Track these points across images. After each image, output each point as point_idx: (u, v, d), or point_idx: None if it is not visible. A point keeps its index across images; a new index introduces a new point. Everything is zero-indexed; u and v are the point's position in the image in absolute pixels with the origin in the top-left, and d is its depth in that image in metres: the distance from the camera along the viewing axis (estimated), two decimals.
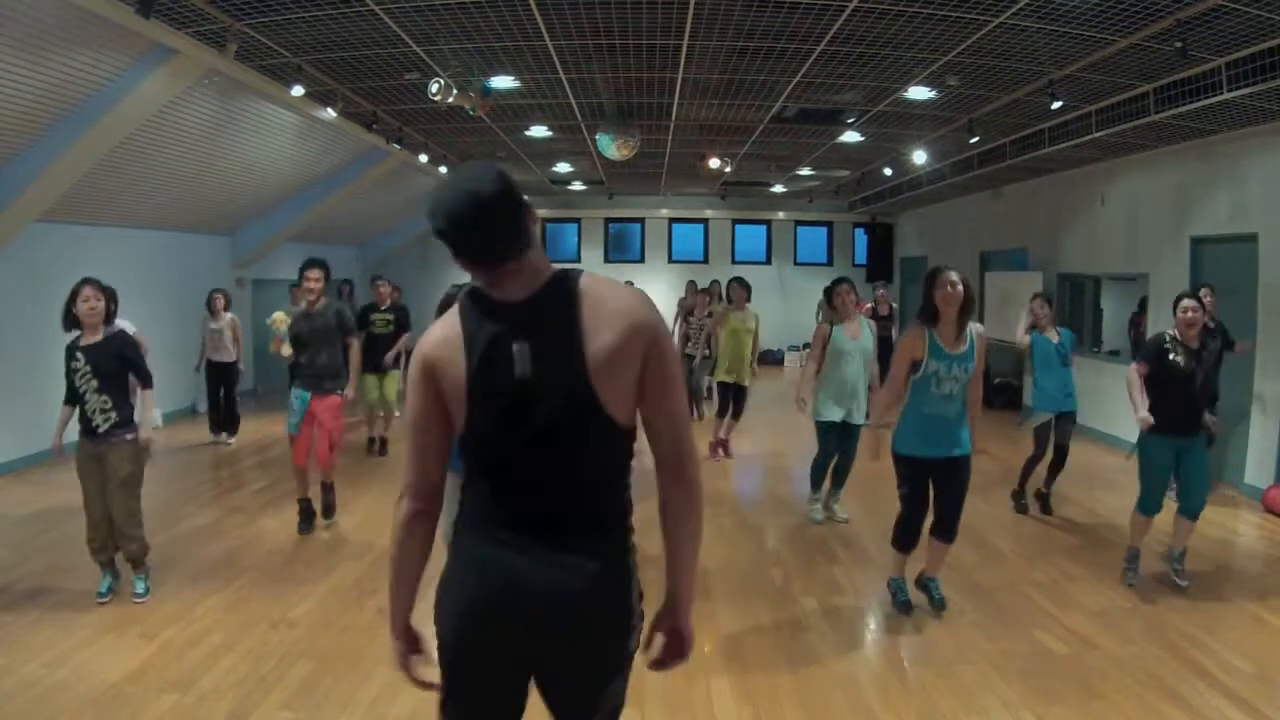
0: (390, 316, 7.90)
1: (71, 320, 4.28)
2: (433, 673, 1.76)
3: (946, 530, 4.26)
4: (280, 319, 5.40)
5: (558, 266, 1.68)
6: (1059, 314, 9.96)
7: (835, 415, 5.77)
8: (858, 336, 5.78)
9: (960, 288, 4.02)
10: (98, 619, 4.13)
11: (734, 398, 7.72)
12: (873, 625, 4.31)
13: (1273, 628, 4.17)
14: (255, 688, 3.48)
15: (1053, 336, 6.16)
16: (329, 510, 5.83)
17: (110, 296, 4.36)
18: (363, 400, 7.89)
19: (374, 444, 8.14)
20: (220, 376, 8.57)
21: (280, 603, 4.39)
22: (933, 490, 4.22)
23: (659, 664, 1.80)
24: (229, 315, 8.55)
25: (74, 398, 4.28)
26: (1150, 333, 8.22)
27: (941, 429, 4.11)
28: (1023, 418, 6.29)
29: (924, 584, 4.43)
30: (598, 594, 1.64)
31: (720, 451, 7.94)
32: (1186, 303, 4.58)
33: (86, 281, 4.31)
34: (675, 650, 1.79)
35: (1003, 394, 10.71)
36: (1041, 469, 6.24)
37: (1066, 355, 6.15)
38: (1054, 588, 4.71)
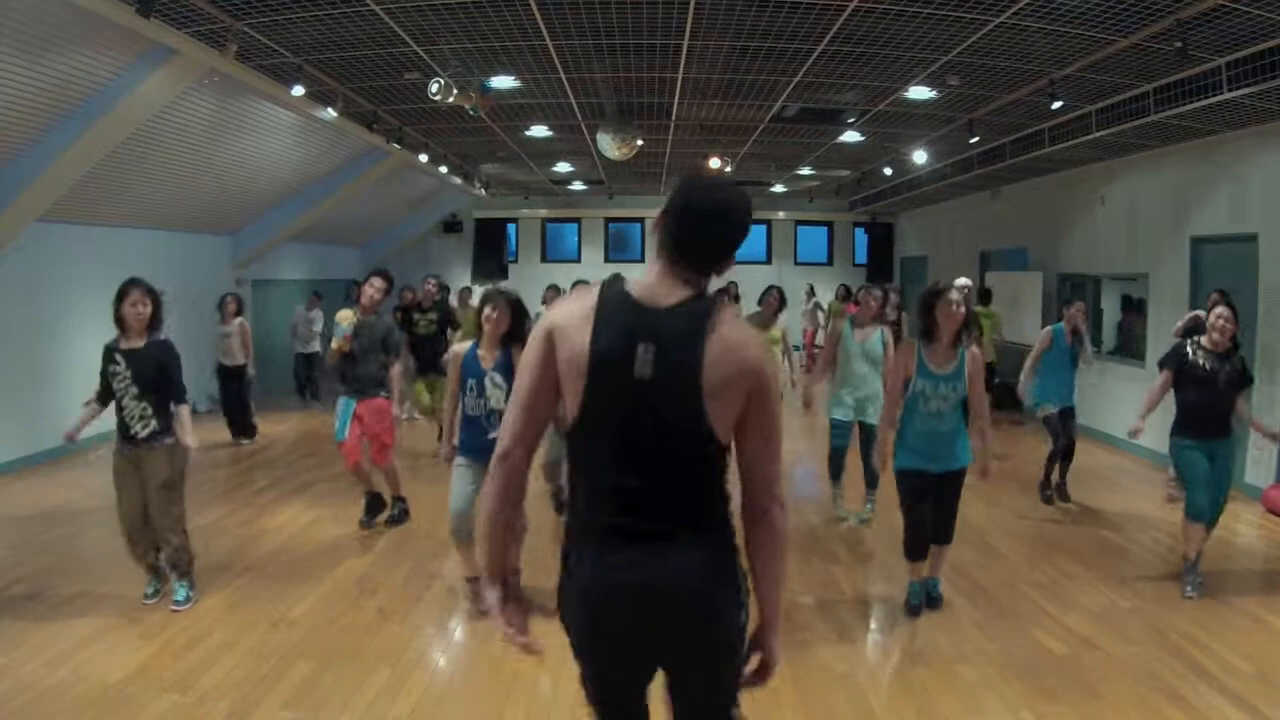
0: (434, 316, 7.77)
1: (118, 321, 4.18)
2: (533, 630, 1.83)
3: (943, 534, 4.33)
4: (348, 316, 5.47)
5: (708, 290, 1.77)
6: (1057, 315, 10.02)
7: (842, 415, 5.85)
8: (867, 340, 5.84)
9: (962, 309, 4.05)
10: (98, 619, 4.12)
11: None
12: (873, 625, 4.31)
13: (1273, 628, 4.17)
14: (255, 688, 3.48)
15: (1067, 338, 6.30)
16: (398, 519, 5.80)
17: (158, 301, 4.25)
18: (422, 410, 7.88)
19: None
20: (231, 380, 8.53)
21: (280, 603, 4.39)
22: (930, 496, 4.26)
23: (748, 683, 1.89)
24: (239, 320, 8.52)
25: (105, 397, 4.21)
26: (1151, 334, 8.27)
27: (935, 444, 4.16)
28: (1034, 411, 6.36)
29: (925, 582, 4.46)
30: (709, 590, 1.73)
31: None
32: (1221, 311, 4.59)
33: (134, 283, 4.18)
34: (763, 672, 1.89)
35: (1009, 394, 10.68)
36: (1038, 468, 6.36)
37: (1076, 358, 6.33)
38: (1054, 588, 4.71)
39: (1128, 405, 8.36)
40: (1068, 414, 6.27)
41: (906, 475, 4.23)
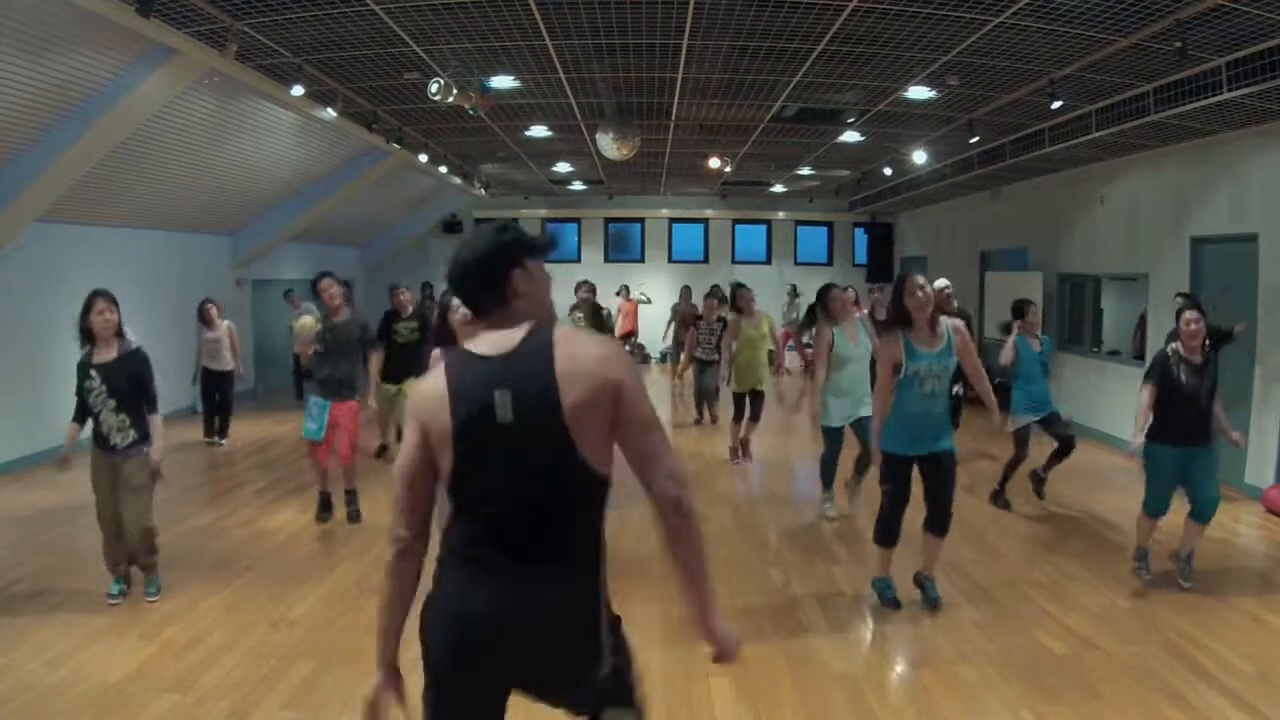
0: (414, 324, 7.68)
1: (86, 334, 4.20)
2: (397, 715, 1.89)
3: (939, 523, 4.31)
4: (310, 324, 5.53)
5: (535, 323, 1.83)
6: (1058, 315, 10.03)
7: (838, 422, 5.85)
8: (856, 339, 5.84)
9: (929, 291, 4.16)
10: (98, 619, 4.13)
11: (752, 402, 7.65)
12: (873, 625, 4.30)
13: (1273, 628, 4.17)
14: (255, 688, 3.49)
15: (1035, 345, 6.30)
16: (354, 516, 5.85)
17: (118, 308, 4.29)
18: (383, 406, 7.75)
19: (385, 451, 7.92)
20: (217, 384, 8.51)
21: (280, 603, 4.39)
22: (923, 486, 4.30)
23: (718, 660, 1.91)
24: (225, 323, 8.48)
25: (82, 415, 4.25)
26: (1152, 335, 8.27)
27: (924, 427, 4.20)
28: (1009, 421, 6.39)
29: (920, 582, 4.45)
30: (567, 626, 1.77)
31: (740, 455, 7.86)
32: (1188, 315, 4.59)
33: (98, 294, 4.22)
34: (720, 653, 1.89)
35: (999, 393, 10.68)
36: (1024, 467, 6.41)
37: (1047, 364, 6.35)
38: (1054, 588, 4.71)
39: (1128, 406, 8.39)
40: (1054, 419, 6.27)
41: (894, 459, 4.27)
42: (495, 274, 1.83)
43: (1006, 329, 6.51)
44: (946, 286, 7.33)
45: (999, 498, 6.39)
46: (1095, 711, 3.36)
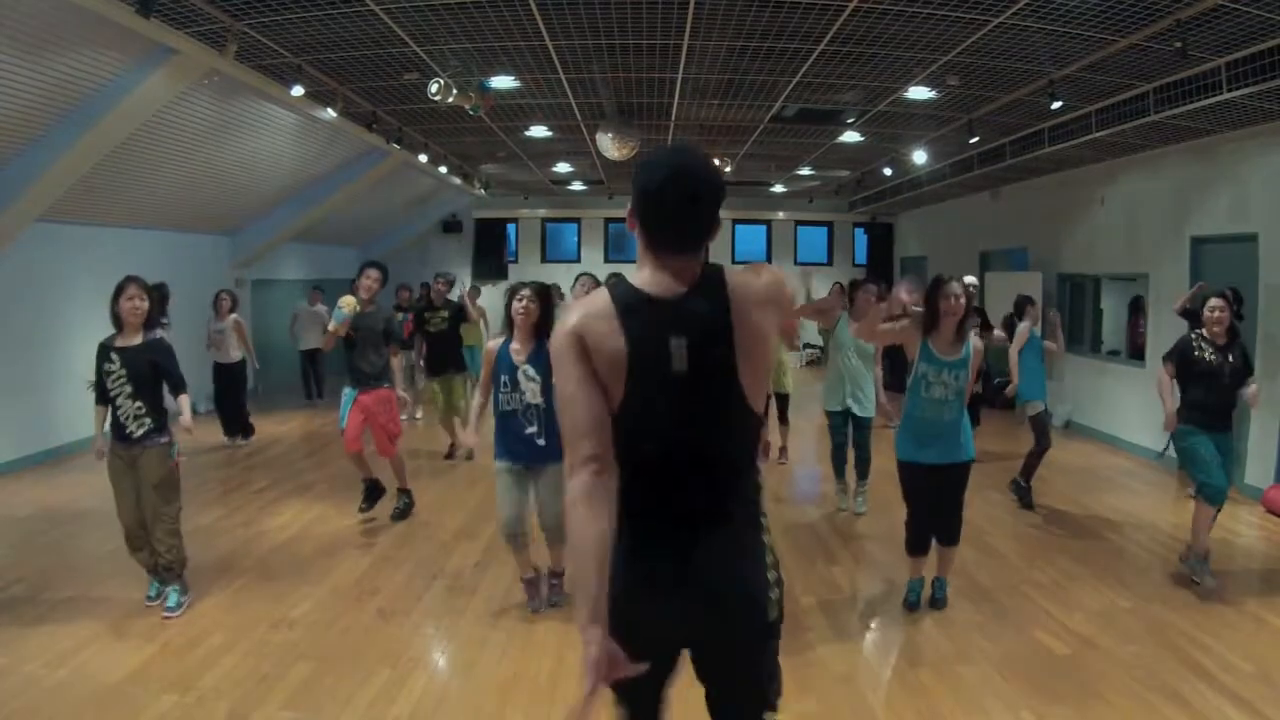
0: (445, 313, 7.75)
1: (116, 319, 4.19)
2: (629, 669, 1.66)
3: (945, 535, 4.32)
4: (350, 302, 5.47)
5: (706, 263, 1.75)
6: (1059, 315, 10.03)
7: (836, 405, 5.96)
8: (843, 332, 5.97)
9: (963, 300, 4.09)
10: (98, 619, 4.13)
11: (779, 405, 7.50)
12: (873, 625, 4.31)
13: (1273, 628, 4.17)
14: (255, 688, 3.49)
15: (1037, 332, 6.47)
16: (399, 514, 5.84)
17: (155, 298, 4.27)
18: (435, 409, 7.90)
19: (454, 452, 7.85)
20: (225, 378, 8.49)
21: (280, 603, 4.39)
22: (933, 495, 4.26)
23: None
24: (233, 316, 8.48)
25: (104, 396, 4.20)
26: (1151, 334, 8.27)
27: (936, 434, 4.15)
28: (1024, 410, 6.43)
29: (934, 581, 4.47)
30: (748, 572, 1.75)
31: (782, 456, 7.73)
32: (1214, 302, 4.60)
33: (131, 279, 4.20)
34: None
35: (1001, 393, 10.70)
36: (1014, 465, 6.53)
37: (1040, 351, 6.47)
38: (1054, 588, 4.71)
39: (1128, 406, 8.39)
40: (1046, 412, 6.43)
41: (909, 467, 4.23)
42: (699, 213, 1.69)
43: (1010, 325, 6.59)
44: (972, 284, 7.39)
45: (1020, 488, 6.36)
46: (1095, 711, 3.36)
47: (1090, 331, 9.79)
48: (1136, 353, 8.83)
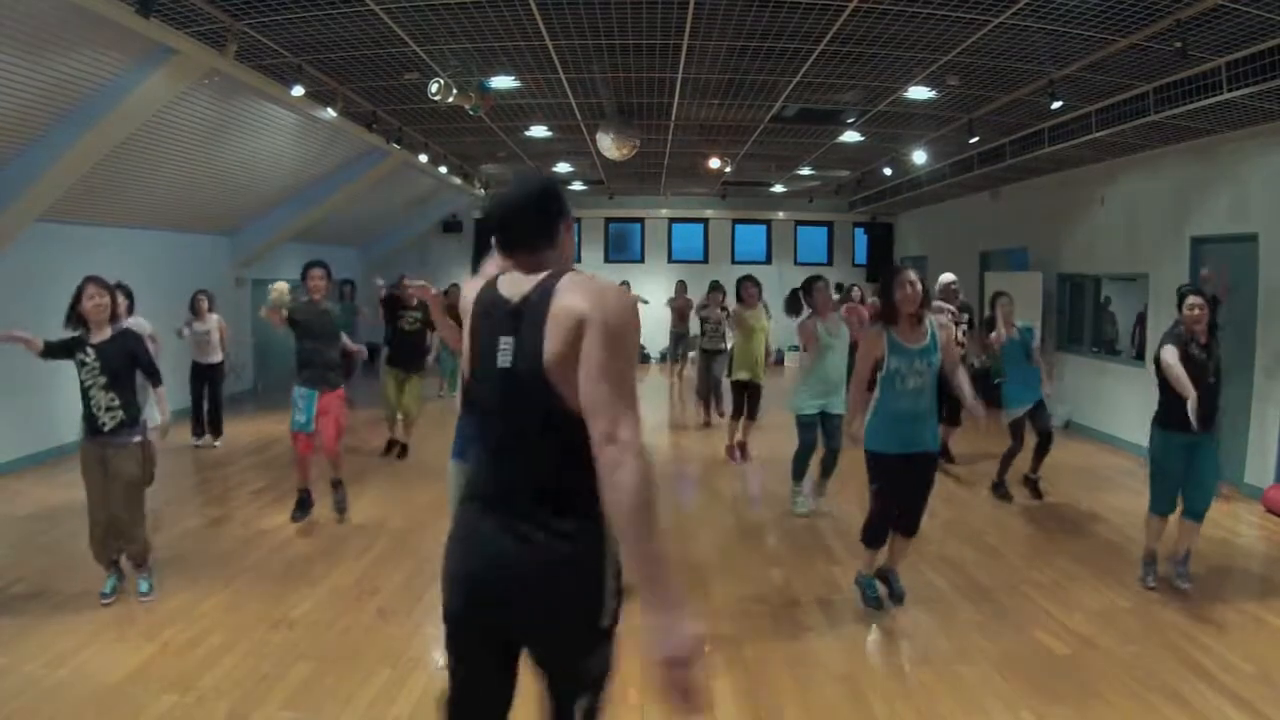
0: (419, 314, 7.75)
1: (77, 319, 4.27)
2: None
3: (908, 526, 4.31)
4: (282, 288, 5.55)
5: (553, 270, 1.86)
6: (1057, 315, 10.03)
7: (813, 409, 5.93)
8: (835, 332, 5.94)
9: (919, 287, 4.11)
10: (98, 619, 4.13)
11: (749, 397, 7.67)
12: (873, 625, 4.30)
13: (1273, 628, 4.17)
14: (255, 688, 3.48)
15: (1012, 333, 6.43)
16: (340, 507, 5.86)
17: (116, 294, 4.37)
18: (384, 402, 7.93)
19: (392, 448, 7.95)
20: (205, 378, 8.41)
21: (280, 603, 4.39)
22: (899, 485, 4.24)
23: (662, 688, 1.56)
24: (214, 316, 8.40)
25: (53, 351, 4.30)
26: (1152, 333, 8.27)
27: (909, 426, 4.15)
28: (1004, 414, 6.49)
29: (884, 574, 4.43)
30: (565, 570, 1.76)
31: (739, 454, 7.85)
32: (1192, 299, 4.53)
33: (90, 280, 4.32)
34: (669, 681, 1.53)
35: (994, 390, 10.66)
36: (1021, 460, 6.53)
37: (1029, 349, 6.43)
38: (1054, 588, 4.71)
39: (1128, 406, 8.39)
40: (1039, 408, 6.40)
41: (882, 459, 4.20)
42: (547, 215, 1.91)
43: (990, 324, 6.65)
44: (953, 281, 7.44)
45: (999, 489, 6.53)
46: (1095, 711, 3.36)
47: (1090, 332, 9.78)
48: (1140, 356, 8.83)
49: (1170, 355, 4.40)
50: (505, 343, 1.80)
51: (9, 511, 6.03)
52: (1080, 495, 6.73)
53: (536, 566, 1.76)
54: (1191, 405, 4.21)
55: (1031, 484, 6.53)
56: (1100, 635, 4.06)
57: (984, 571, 4.96)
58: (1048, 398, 6.49)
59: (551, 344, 1.73)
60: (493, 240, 2.01)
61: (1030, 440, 6.48)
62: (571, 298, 1.75)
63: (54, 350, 4.33)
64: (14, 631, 3.96)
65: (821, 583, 4.81)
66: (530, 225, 1.90)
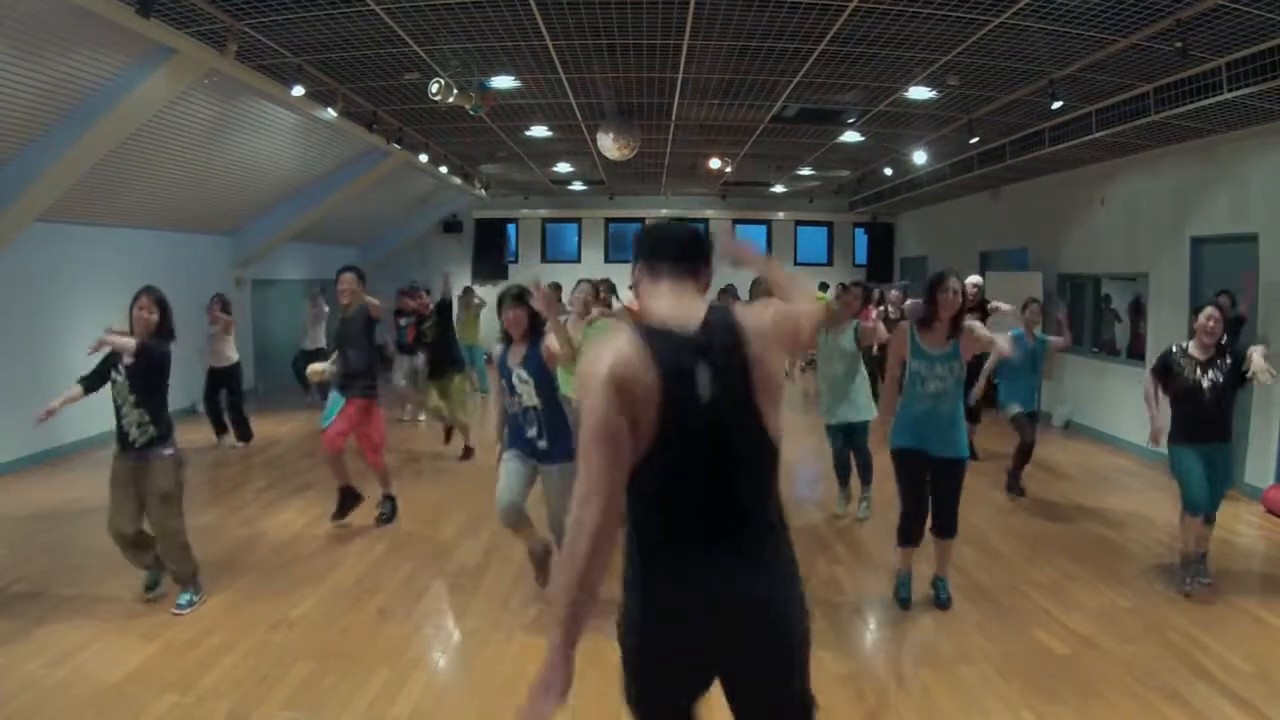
0: (435, 319, 7.99)
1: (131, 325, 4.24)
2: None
3: (942, 527, 4.33)
4: (315, 371, 5.93)
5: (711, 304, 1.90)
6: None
7: (832, 419, 5.93)
8: (840, 337, 5.88)
9: (959, 298, 4.13)
10: (98, 619, 4.13)
11: None
12: (873, 625, 4.31)
13: (1273, 628, 4.17)
14: (255, 688, 3.49)
15: (1029, 340, 6.48)
16: (383, 519, 5.84)
17: (168, 313, 4.28)
18: (437, 415, 8.08)
19: (469, 453, 7.86)
20: (220, 382, 8.41)
21: (280, 603, 4.39)
22: (930, 490, 4.29)
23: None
24: (224, 317, 8.44)
25: (92, 383, 4.25)
26: (1151, 333, 8.28)
27: (933, 427, 4.17)
28: (1005, 413, 6.51)
29: (934, 583, 4.46)
30: (787, 598, 1.83)
31: None
32: (1209, 311, 4.58)
33: (146, 290, 4.25)
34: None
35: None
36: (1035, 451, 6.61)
37: (1039, 361, 6.51)
38: (1054, 588, 4.71)
39: (1128, 406, 8.39)
40: (1033, 417, 6.49)
41: (903, 454, 4.26)
42: (699, 245, 1.96)
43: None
44: (978, 284, 7.48)
45: (1013, 486, 6.57)
46: (1095, 711, 3.36)
47: (1090, 332, 9.78)
48: (1139, 355, 8.83)
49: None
50: (702, 373, 1.74)
51: (9, 511, 6.03)
52: (1080, 495, 6.73)
53: (766, 600, 1.80)
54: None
55: (1016, 484, 6.62)
56: (1100, 635, 4.06)
57: (984, 571, 4.96)
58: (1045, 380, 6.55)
59: (760, 366, 1.79)
60: (659, 267, 1.93)
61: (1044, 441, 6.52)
62: (758, 318, 1.86)
63: (92, 382, 4.29)
64: (14, 631, 3.96)
65: (822, 583, 4.81)
66: (708, 252, 1.98)
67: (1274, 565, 5.22)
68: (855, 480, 6.11)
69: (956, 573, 4.84)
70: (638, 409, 1.71)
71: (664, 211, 16.80)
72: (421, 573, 4.89)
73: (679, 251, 1.92)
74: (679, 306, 1.84)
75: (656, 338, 1.76)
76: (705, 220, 16.80)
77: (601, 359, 1.73)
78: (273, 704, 3.37)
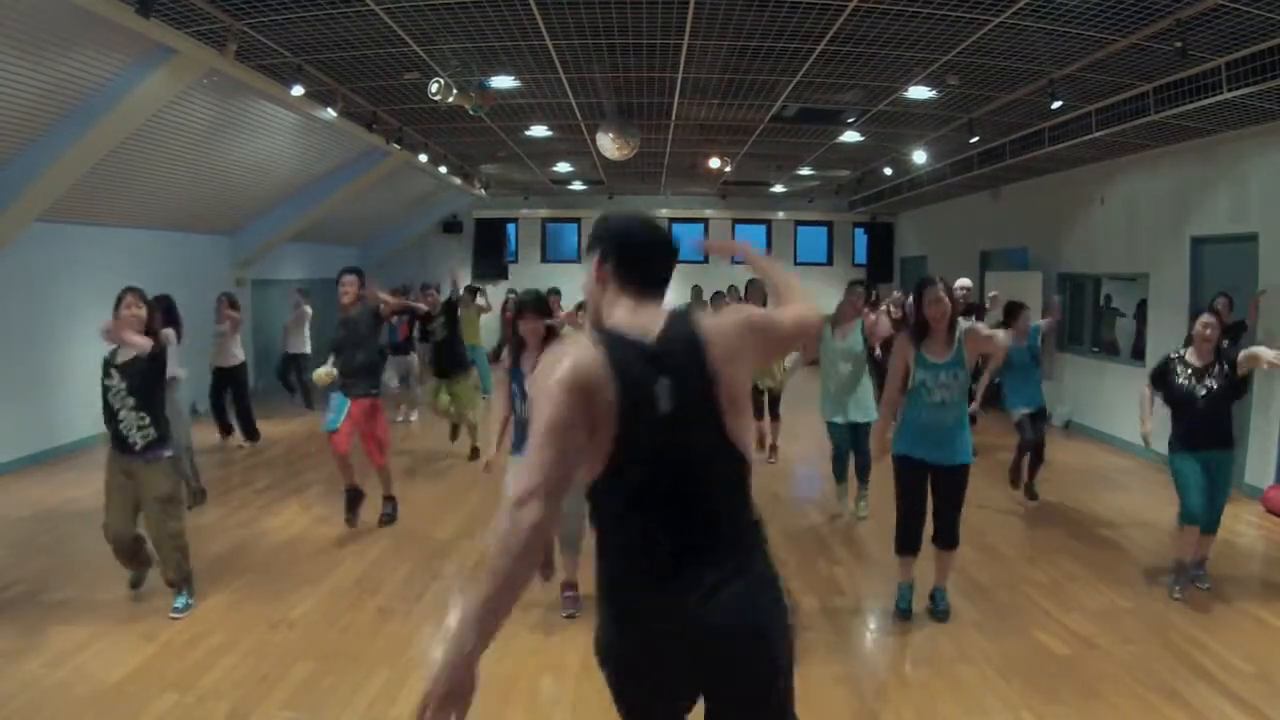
0: (443, 318, 7.92)
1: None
2: None
3: (944, 538, 4.26)
4: (323, 375, 5.72)
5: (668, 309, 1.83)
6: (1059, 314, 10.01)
7: (835, 417, 5.91)
8: (847, 337, 5.86)
9: (946, 303, 4.05)
10: (98, 619, 4.13)
11: (770, 401, 7.57)
12: (873, 625, 4.31)
13: (1273, 628, 4.17)
14: (255, 688, 3.49)
15: (1020, 342, 6.35)
16: (386, 520, 5.84)
17: (155, 307, 4.24)
18: (441, 414, 8.09)
19: (476, 454, 7.81)
20: (225, 382, 8.36)
21: (280, 603, 4.39)
22: (931, 498, 4.22)
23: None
24: (234, 315, 8.40)
25: (111, 417, 4.14)
26: (1151, 333, 8.28)
27: (937, 435, 4.11)
28: (1013, 416, 6.50)
29: (932, 595, 4.38)
30: (768, 614, 1.77)
31: (771, 454, 7.75)
32: (1205, 319, 4.57)
33: (128, 290, 4.20)
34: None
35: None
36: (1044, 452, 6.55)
37: (1037, 353, 6.43)
38: (1054, 588, 4.71)
39: (1128, 406, 8.39)
40: (1039, 416, 6.39)
41: (905, 462, 4.19)
42: (672, 260, 1.89)
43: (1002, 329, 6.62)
44: (967, 287, 7.44)
45: (1029, 490, 6.51)
46: (1095, 711, 3.36)
47: (1090, 332, 9.78)
48: (1139, 356, 8.83)
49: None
50: (661, 385, 1.69)
51: (9, 512, 6.02)
52: (1080, 495, 6.73)
53: (744, 616, 1.75)
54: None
55: (1028, 487, 6.53)
56: (1100, 635, 4.06)
57: (984, 572, 4.96)
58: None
59: (726, 375, 1.76)
60: (624, 276, 1.84)
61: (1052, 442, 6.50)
62: (723, 326, 1.82)
63: (106, 407, 4.18)
64: (14, 632, 3.96)
65: (822, 583, 4.81)
66: (668, 267, 1.91)
67: (1274, 565, 5.22)
68: (852, 477, 6.11)
69: (956, 573, 4.83)
70: (595, 418, 1.65)
71: (664, 211, 16.80)
72: (421, 573, 4.89)
73: (659, 275, 1.87)
74: (638, 315, 1.78)
75: (615, 347, 1.70)
76: (705, 220, 16.85)
77: (560, 363, 1.67)
78: (273, 704, 3.37)
